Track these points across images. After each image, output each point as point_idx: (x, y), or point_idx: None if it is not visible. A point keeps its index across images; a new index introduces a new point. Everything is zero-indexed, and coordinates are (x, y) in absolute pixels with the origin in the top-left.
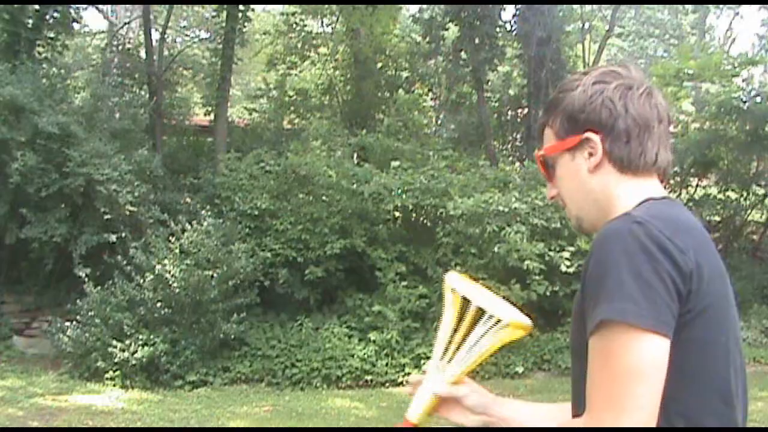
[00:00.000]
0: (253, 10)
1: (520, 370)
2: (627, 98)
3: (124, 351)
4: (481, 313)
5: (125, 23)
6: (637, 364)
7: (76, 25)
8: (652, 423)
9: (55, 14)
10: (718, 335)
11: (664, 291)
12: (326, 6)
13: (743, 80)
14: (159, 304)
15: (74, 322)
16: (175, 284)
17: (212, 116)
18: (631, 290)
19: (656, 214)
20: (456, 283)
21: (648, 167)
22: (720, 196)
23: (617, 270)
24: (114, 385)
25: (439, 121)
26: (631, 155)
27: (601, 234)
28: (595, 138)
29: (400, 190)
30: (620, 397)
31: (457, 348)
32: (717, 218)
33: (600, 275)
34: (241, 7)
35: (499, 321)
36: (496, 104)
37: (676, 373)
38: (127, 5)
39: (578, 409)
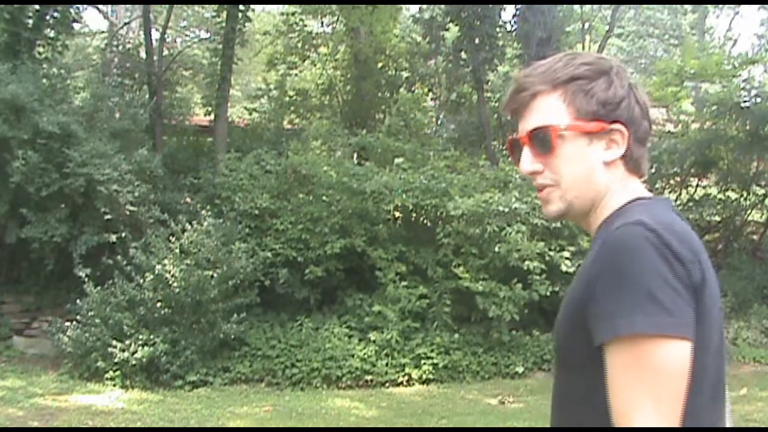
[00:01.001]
0: (253, 10)
1: (520, 370)
2: (647, 102)
3: (124, 351)
4: None
5: (125, 23)
6: (672, 370)
7: (76, 25)
8: (681, 419)
9: (55, 14)
10: (712, 339)
11: (688, 296)
12: (326, 6)
13: (743, 80)
14: (159, 304)
15: (74, 322)
16: (175, 284)
17: (212, 116)
18: (662, 300)
19: (663, 223)
20: None
21: (641, 171)
22: (720, 196)
23: (643, 278)
24: (114, 385)
25: (439, 121)
26: (641, 158)
27: (618, 240)
28: (626, 133)
29: (400, 190)
30: (660, 400)
31: None
32: (717, 218)
33: (624, 283)
34: (241, 7)
35: None
36: (496, 104)
37: None
38: (127, 5)
39: (559, 423)
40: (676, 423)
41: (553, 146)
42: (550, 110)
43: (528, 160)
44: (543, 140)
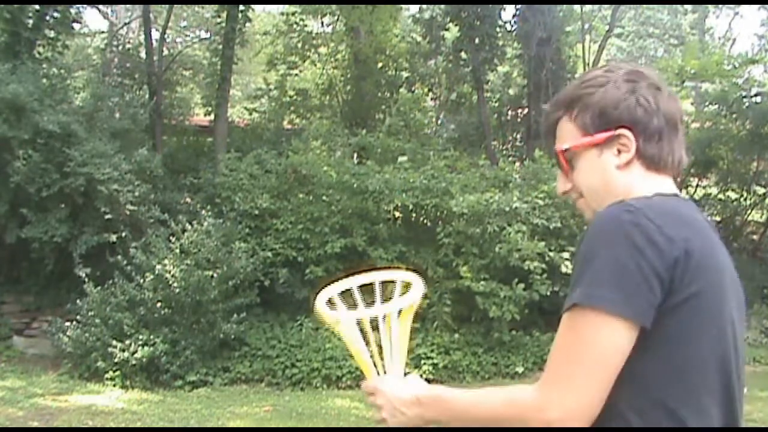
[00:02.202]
0: (253, 10)
1: (520, 370)
2: (658, 97)
3: (124, 351)
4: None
5: (125, 23)
6: (600, 350)
7: (76, 25)
8: (596, 409)
9: (55, 14)
10: (704, 326)
11: (641, 279)
12: (326, 6)
13: (743, 80)
14: (159, 304)
15: (74, 322)
16: (175, 284)
17: (212, 116)
18: (609, 276)
19: (653, 204)
20: (333, 312)
21: (672, 166)
22: (720, 196)
23: (600, 255)
24: (114, 385)
25: (439, 121)
26: (662, 154)
27: (595, 218)
28: (630, 135)
29: (400, 189)
30: (574, 377)
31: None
32: (717, 218)
33: (585, 258)
34: (241, 7)
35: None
36: (496, 104)
37: (655, 361)
38: (127, 5)
39: None
40: (586, 398)
41: (570, 165)
42: (565, 133)
43: (559, 182)
44: (560, 163)
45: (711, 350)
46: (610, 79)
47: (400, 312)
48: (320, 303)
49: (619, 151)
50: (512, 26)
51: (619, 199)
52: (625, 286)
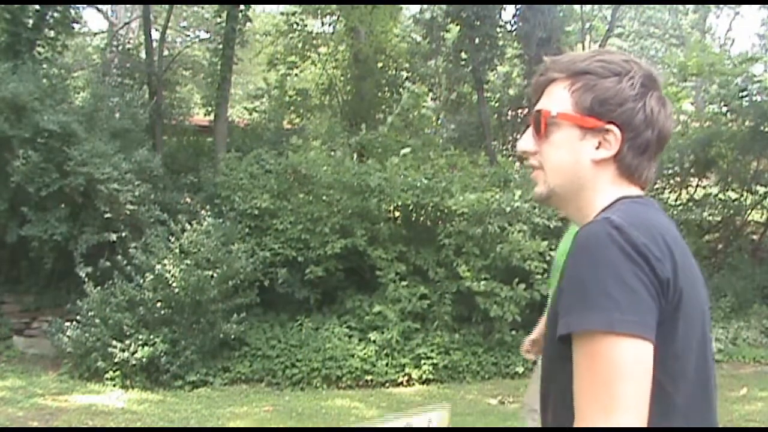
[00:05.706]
0: (253, 10)
1: (520, 370)
2: (661, 113)
3: (124, 351)
4: None
5: (125, 23)
6: (625, 368)
7: (76, 25)
8: (643, 423)
9: (55, 14)
10: (690, 339)
11: (647, 296)
12: (326, 6)
13: (744, 79)
14: (159, 304)
15: (74, 322)
16: (174, 284)
17: (212, 116)
18: (616, 297)
19: (633, 220)
20: None
21: (643, 181)
22: (720, 196)
23: (600, 276)
24: (114, 385)
25: (439, 121)
26: (639, 167)
27: (582, 237)
28: (618, 135)
29: (399, 189)
30: (611, 398)
31: None
32: (717, 218)
33: (583, 280)
34: (241, 7)
35: None
36: (496, 104)
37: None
38: (127, 5)
39: (546, 412)
40: (631, 423)
41: (545, 131)
42: (555, 97)
43: (525, 139)
44: (538, 123)
45: (696, 360)
46: (628, 72)
47: None
48: None
49: (600, 145)
50: (512, 26)
51: (595, 209)
52: (638, 306)
